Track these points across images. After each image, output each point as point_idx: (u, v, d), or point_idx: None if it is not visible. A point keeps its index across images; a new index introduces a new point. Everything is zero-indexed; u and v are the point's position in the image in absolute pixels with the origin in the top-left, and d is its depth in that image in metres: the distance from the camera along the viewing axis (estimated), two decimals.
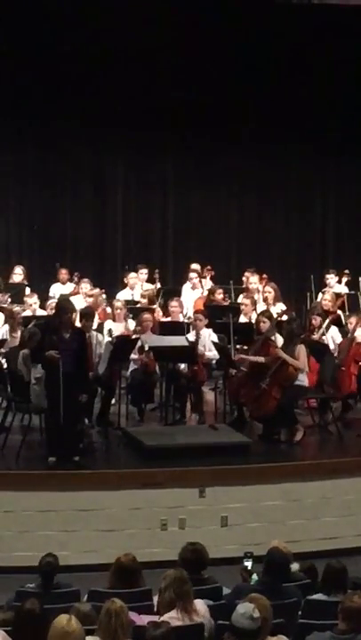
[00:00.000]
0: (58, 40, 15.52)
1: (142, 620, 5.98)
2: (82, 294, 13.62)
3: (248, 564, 7.13)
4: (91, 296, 13.05)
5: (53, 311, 12.63)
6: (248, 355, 11.15)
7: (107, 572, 6.85)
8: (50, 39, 15.54)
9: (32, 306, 12.83)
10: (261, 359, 10.77)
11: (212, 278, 14.59)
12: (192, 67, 16.18)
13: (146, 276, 14.58)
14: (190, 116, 16.27)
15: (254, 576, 6.91)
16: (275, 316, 11.50)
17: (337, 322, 12.49)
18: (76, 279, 14.35)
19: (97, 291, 13.41)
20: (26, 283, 14.14)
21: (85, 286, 13.80)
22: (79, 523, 9.43)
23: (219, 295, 13.59)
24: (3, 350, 11.32)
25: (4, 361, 11.16)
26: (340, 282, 14.65)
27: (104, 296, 13.45)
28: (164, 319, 12.87)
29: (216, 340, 11.63)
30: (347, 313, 13.05)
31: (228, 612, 5.62)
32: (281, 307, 12.52)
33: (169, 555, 8.15)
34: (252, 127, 16.63)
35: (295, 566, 7.26)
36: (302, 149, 16.97)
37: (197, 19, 15.78)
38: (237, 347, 11.73)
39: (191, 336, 11.58)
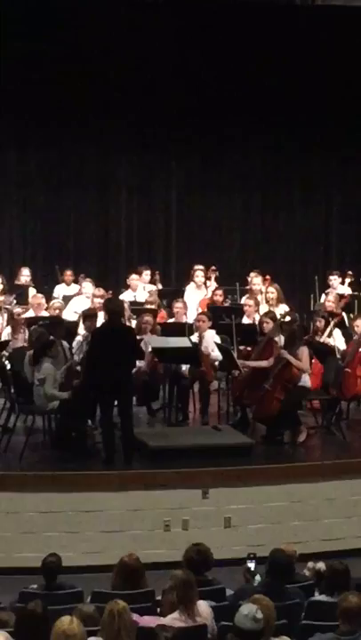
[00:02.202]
0: (61, 40, 15.50)
1: (144, 620, 5.99)
2: (84, 294, 13.63)
3: (251, 565, 7.13)
4: (100, 297, 13.04)
5: (57, 312, 12.73)
6: (251, 356, 11.16)
7: (110, 574, 6.86)
8: (53, 39, 15.52)
9: (39, 306, 12.81)
10: (264, 364, 10.76)
11: (216, 279, 14.58)
12: (195, 68, 16.18)
13: (149, 278, 14.59)
14: (194, 117, 16.28)
15: (257, 577, 6.92)
16: (278, 317, 11.48)
17: (340, 323, 12.47)
18: (81, 280, 14.36)
19: (102, 291, 13.39)
20: (32, 284, 14.16)
21: (87, 285, 13.80)
22: (82, 524, 9.43)
23: (217, 297, 13.58)
24: (6, 352, 11.32)
25: (7, 362, 11.17)
26: (343, 283, 14.64)
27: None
28: (168, 320, 12.85)
29: (219, 340, 11.62)
30: (351, 315, 13.01)
31: (231, 613, 5.62)
32: (284, 308, 12.50)
33: (172, 556, 8.18)
34: (256, 129, 16.61)
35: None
36: (306, 151, 16.97)
37: (201, 21, 15.77)
38: (240, 348, 11.73)
39: (194, 337, 11.57)
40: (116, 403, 10.04)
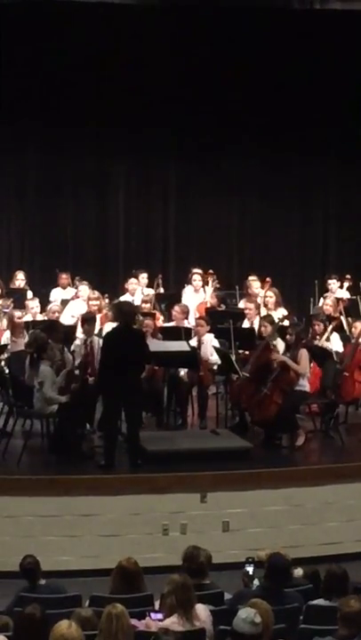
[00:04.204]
0: (60, 44, 15.53)
1: (143, 624, 5.99)
2: (80, 297, 13.64)
3: (250, 569, 7.12)
4: (95, 299, 13.04)
5: (56, 314, 12.72)
6: (249, 360, 11.16)
7: (108, 577, 6.86)
8: (52, 43, 15.55)
9: (33, 309, 12.83)
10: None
11: (214, 282, 14.56)
12: (193, 72, 16.18)
13: (146, 281, 14.57)
14: (192, 121, 16.27)
15: (256, 581, 6.92)
16: (276, 320, 11.48)
17: (338, 327, 12.48)
18: (78, 284, 14.36)
19: (98, 294, 13.38)
20: (27, 288, 14.17)
21: (83, 288, 13.80)
22: (81, 528, 9.43)
23: (213, 300, 13.59)
24: (4, 356, 11.32)
25: (5, 366, 11.16)
26: (341, 287, 14.64)
27: (107, 300, 13.47)
28: (166, 324, 12.84)
29: (217, 344, 11.62)
30: (349, 319, 13.02)
31: (229, 617, 5.62)
32: (282, 312, 12.48)
33: (170, 560, 8.20)
34: (254, 132, 16.62)
35: (299, 571, 7.27)
36: (304, 155, 16.97)
37: (198, 25, 15.79)
38: (239, 352, 11.73)
39: (193, 341, 11.56)
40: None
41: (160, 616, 6.18)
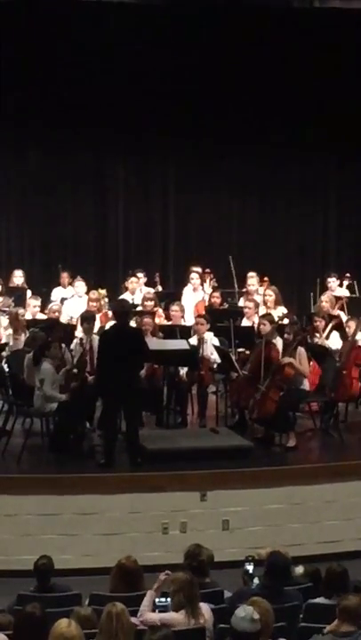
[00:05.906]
0: (59, 43, 15.52)
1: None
2: (77, 294, 13.63)
3: (249, 567, 7.12)
4: (95, 300, 13.03)
5: (56, 314, 12.72)
6: (248, 359, 11.15)
7: (108, 576, 6.86)
8: (51, 43, 15.53)
9: (35, 308, 12.83)
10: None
11: (212, 280, 14.54)
12: (193, 71, 16.16)
13: (145, 279, 14.56)
14: (191, 120, 16.26)
15: (256, 580, 6.92)
16: (275, 319, 11.47)
17: (339, 326, 12.46)
18: (75, 281, 14.33)
19: (98, 294, 13.36)
20: (26, 286, 14.16)
21: (80, 285, 13.78)
22: (80, 526, 9.43)
23: (214, 299, 13.58)
24: (4, 354, 11.31)
25: (5, 365, 11.15)
26: (341, 285, 14.63)
27: (106, 299, 13.45)
28: (164, 323, 12.82)
29: (217, 343, 11.62)
30: (348, 316, 13.01)
31: (229, 615, 5.61)
32: (282, 310, 12.50)
33: (170, 558, 8.19)
34: (254, 131, 16.58)
35: (300, 569, 7.27)
36: (304, 153, 16.96)
37: (198, 24, 15.77)
38: (239, 350, 11.72)
39: (193, 340, 11.55)
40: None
41: (163, 600, 6.20)
